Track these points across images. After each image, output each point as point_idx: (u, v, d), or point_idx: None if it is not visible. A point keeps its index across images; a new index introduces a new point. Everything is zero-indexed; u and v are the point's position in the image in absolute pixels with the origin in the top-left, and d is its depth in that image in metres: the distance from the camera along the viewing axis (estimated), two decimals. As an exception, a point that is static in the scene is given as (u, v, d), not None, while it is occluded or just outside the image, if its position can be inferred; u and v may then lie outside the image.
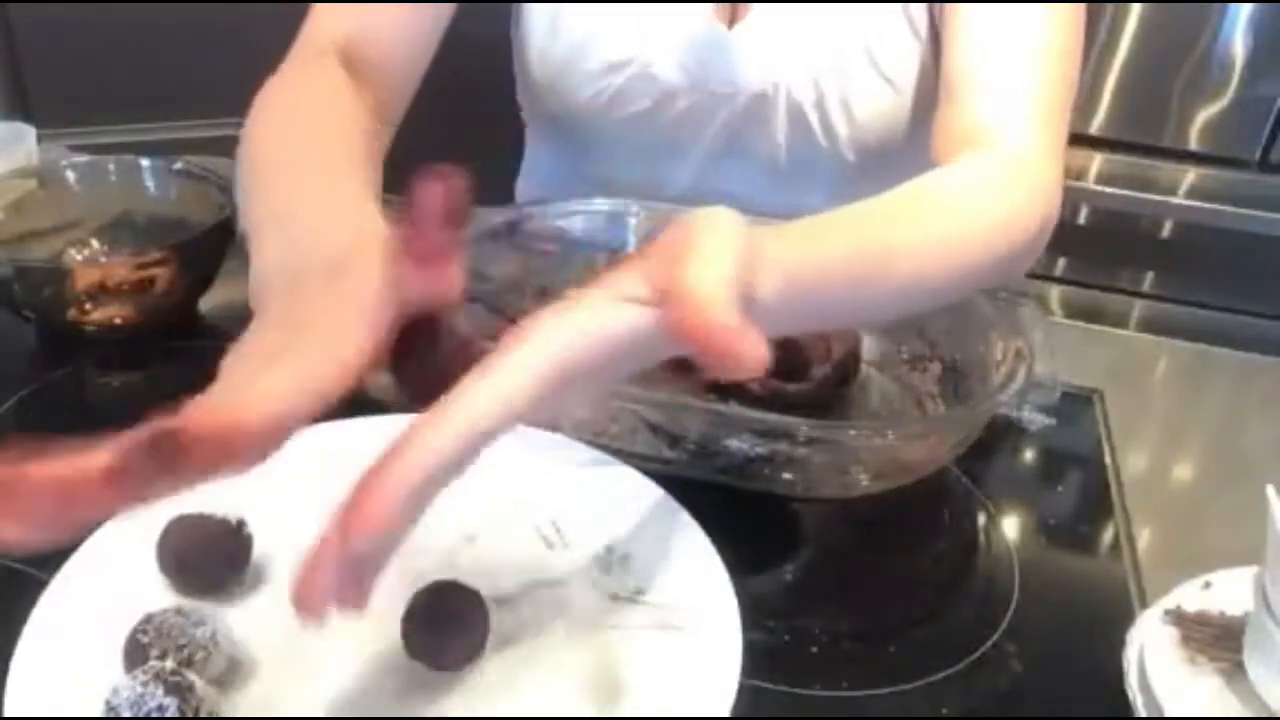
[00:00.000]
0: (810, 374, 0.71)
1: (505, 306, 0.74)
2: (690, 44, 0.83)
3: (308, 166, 0.59)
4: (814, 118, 0.84)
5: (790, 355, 0.71)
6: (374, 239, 0.46)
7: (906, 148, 0.83)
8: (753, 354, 0.39)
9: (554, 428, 0.65)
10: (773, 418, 0.61)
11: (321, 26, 0.76)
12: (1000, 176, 0.66)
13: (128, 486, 0.37)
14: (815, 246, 0.52)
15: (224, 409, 0.38)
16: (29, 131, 0.97)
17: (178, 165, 0.86)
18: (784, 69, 0.83)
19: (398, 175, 0.81)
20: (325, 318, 0.42)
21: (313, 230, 0.49)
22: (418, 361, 0.44)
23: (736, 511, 0.62)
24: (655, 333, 0.41)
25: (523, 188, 1.06)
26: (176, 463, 0.37)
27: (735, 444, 0.62)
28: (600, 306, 0.41)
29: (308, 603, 0.39)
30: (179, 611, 0.49)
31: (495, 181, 1.03)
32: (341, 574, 0.38)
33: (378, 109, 0.73)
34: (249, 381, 0.39)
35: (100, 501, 0.38)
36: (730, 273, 0.41)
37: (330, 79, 0.71)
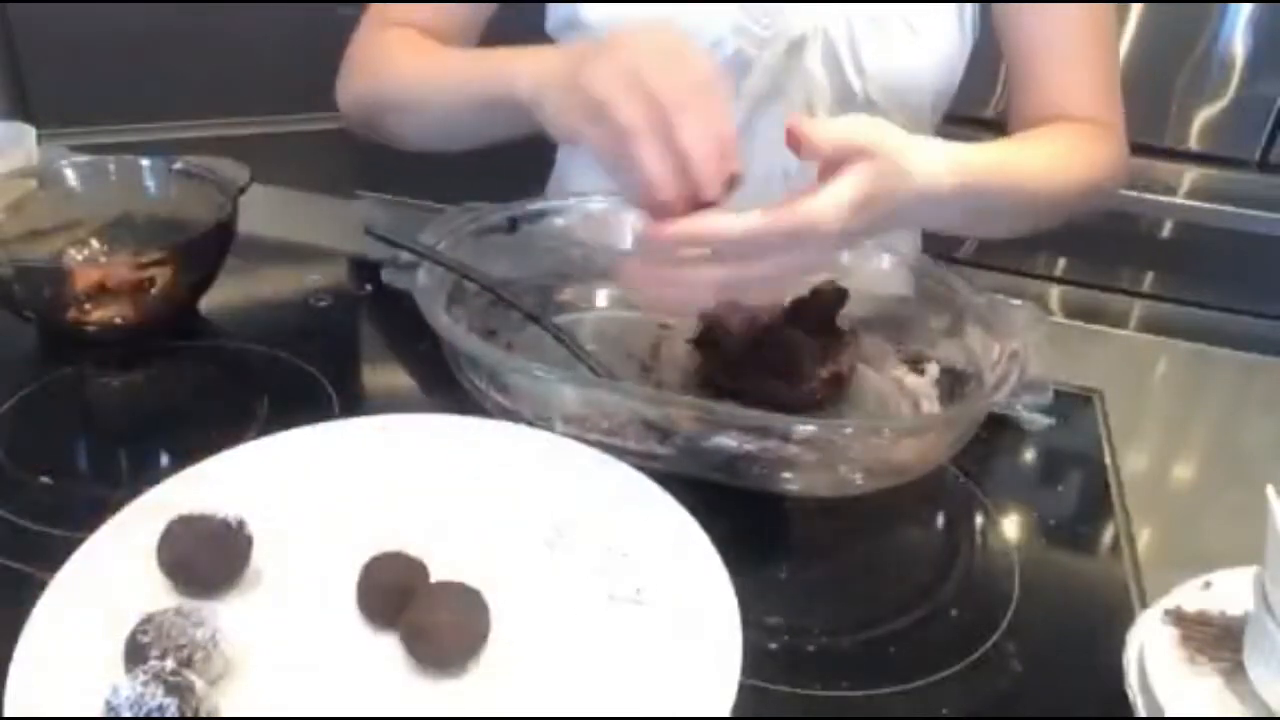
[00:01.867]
0: (806, 377, 0.71)
1: (505, 304, 0.74)
2: None
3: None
4: (847, 60, 0.88)
5: (786, 357, 0.71)
6: None
7: (937, 101, 0.93)
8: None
9: (547, 425, 0.65)
10: (764, 415, 0.61)
11: (377, 17, 0.90)
12: (1089, 132, 0.84)
13: None
14: (979, 152, 0.70)
15: None
16: (29, 131, 0.97)
17: (178, 165, 0.86)
18: (823, 15, 0.87)
19: (400, 177, 0.81)
20: None
21: None
22: None
23: (737, 511, 0.62)
24: None
25: (562, 165, 1.08)
26: None
27: (725, 441, 0.62)
28: None
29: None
30: (179, 611, 0.49)
31: (503, 179, 1.03)
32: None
33: None
34: None
35: None
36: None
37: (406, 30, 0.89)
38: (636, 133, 0.59)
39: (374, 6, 0.92)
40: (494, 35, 1.14)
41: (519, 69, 0.70)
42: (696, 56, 0.62)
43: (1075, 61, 0.88)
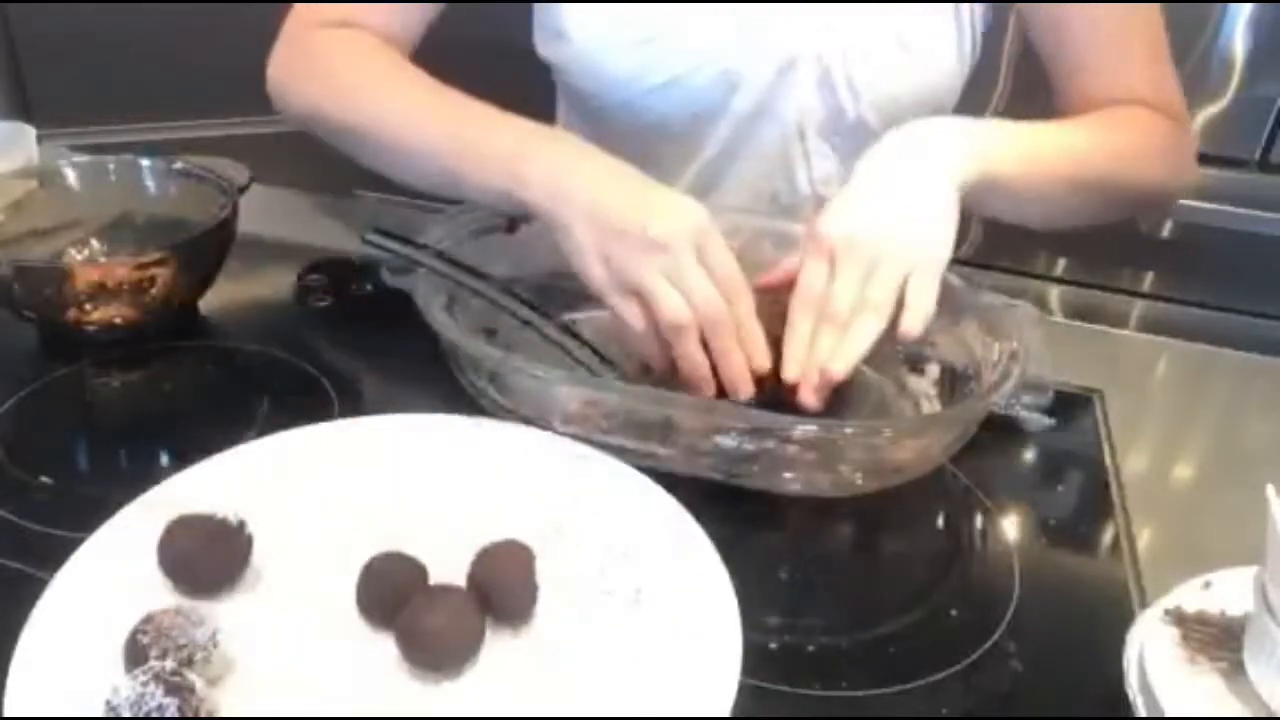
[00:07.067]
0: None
1: (505, 304, 0.74)
2: (725, 12, 0.85)
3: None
4: (840, 81, 0.86)
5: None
6: None
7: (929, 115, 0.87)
8: None
9: (546, 425, 0.65)
10: (764, 415, 0.61)
11: (309, 11, 0.85)
12: (1165, 121, 0.86)
13: None
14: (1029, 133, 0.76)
15: None
16: (29, 131, 0.97)
17: (178, 165, 0.86)
18: (815, 36, 0.85)
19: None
20: None
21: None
22: None
23: (737, 512, 0.62)
24: None
25: None
26: None
27: (725, 441, 0.62)
28: None
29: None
30: (179, 611, 0.49)
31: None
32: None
33: None
34: None
35: None
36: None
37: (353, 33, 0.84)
38: (681, 328, 0.64)
39: (301, 6, 0.85)
40: (485, 49, 1.14)
41: (532, 173, 0.69)
42: (725, 250, 0.66)
43: (1130, 47, 0.87)
